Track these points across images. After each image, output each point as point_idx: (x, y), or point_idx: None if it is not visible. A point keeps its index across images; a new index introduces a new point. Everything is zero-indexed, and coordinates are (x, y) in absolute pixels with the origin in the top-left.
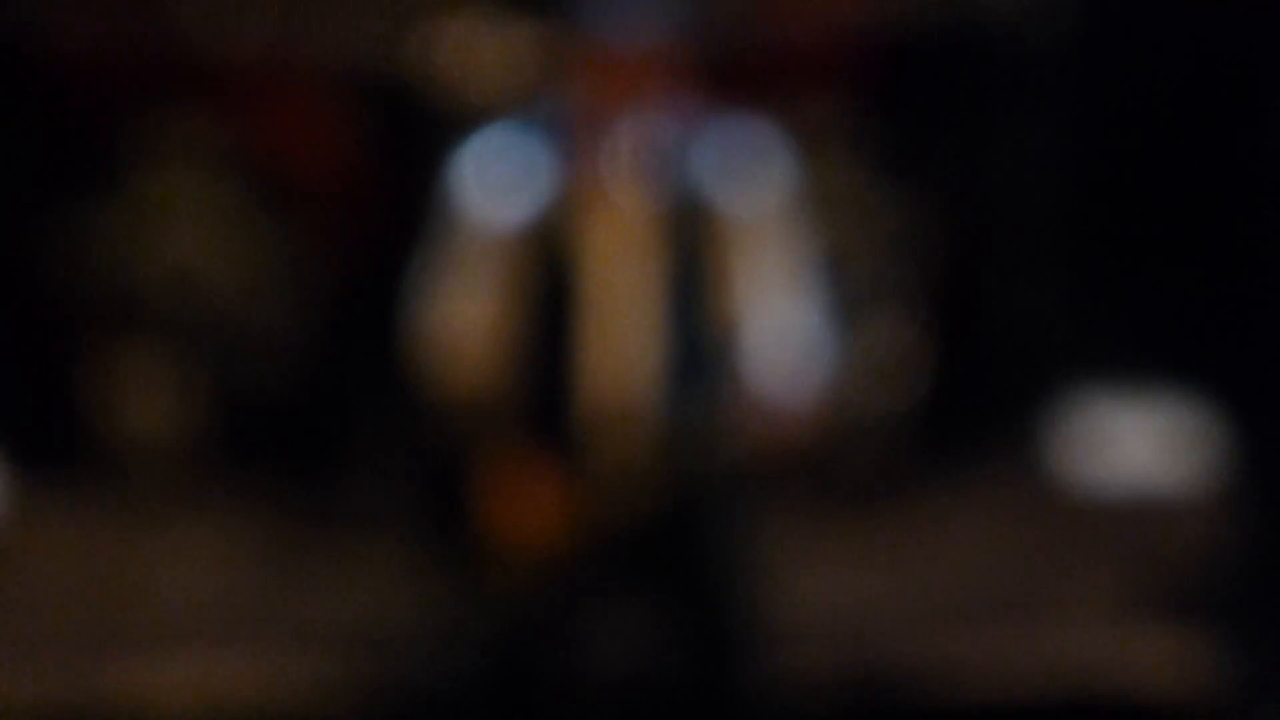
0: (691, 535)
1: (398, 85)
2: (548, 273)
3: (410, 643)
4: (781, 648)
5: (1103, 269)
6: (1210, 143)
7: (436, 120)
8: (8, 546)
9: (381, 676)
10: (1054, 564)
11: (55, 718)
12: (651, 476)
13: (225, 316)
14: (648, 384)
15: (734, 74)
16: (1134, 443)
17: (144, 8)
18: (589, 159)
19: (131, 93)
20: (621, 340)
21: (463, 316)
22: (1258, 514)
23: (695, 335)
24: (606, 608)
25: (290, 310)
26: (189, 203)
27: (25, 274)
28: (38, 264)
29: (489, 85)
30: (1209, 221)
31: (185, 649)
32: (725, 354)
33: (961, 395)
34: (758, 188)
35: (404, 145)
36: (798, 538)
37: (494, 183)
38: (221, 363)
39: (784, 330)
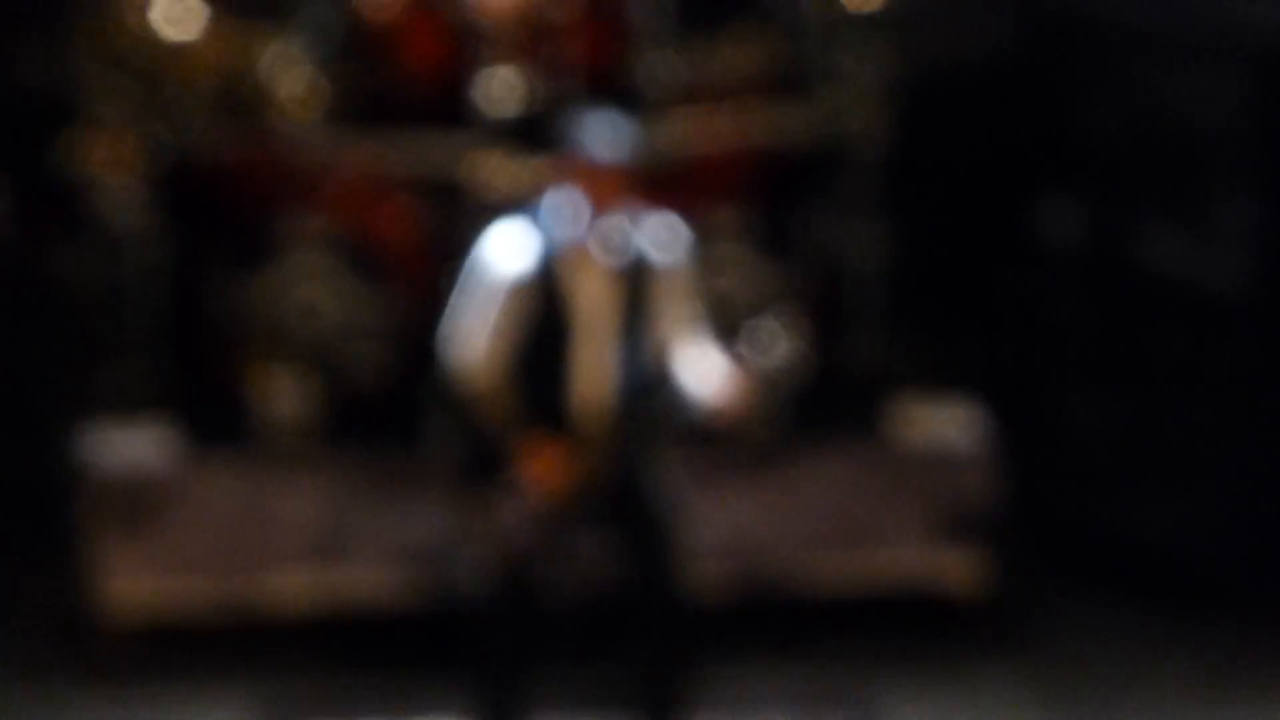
0: (637, 484)
1: (453, 187)
2: (547, 308)
3: (460, 558)
4: (695, 559)
5: (915, 312)
6: (993, 231)
7: (478, 209)
8: (189, 491)
9: (437, 581)
10: (884, 501)
11: (215, 612)
12: (611, 446)
13: (336, 341)
14: (610, 384)
15: (666, 183)
16: (939, 421)
17: (286, 143)
18: (576, 234)
19: (279, 198)
20: (594, 353)
21: (487, 338)
22: (1012, 468)
23: (639, 349)
24: (585, 530)
25: (378, 336)
26: (314, 269)
27: (213, 314)
28: (222, 307)
29: (514, 187)
30: (988, 287)
31: (305, 561)
32: (659, 362)
33: (825, 390)
34: (677, 255)
35: (456, 226)
36: (710, 484)
37: (512, 247)
38: (333, 369)
39: (691, 346)
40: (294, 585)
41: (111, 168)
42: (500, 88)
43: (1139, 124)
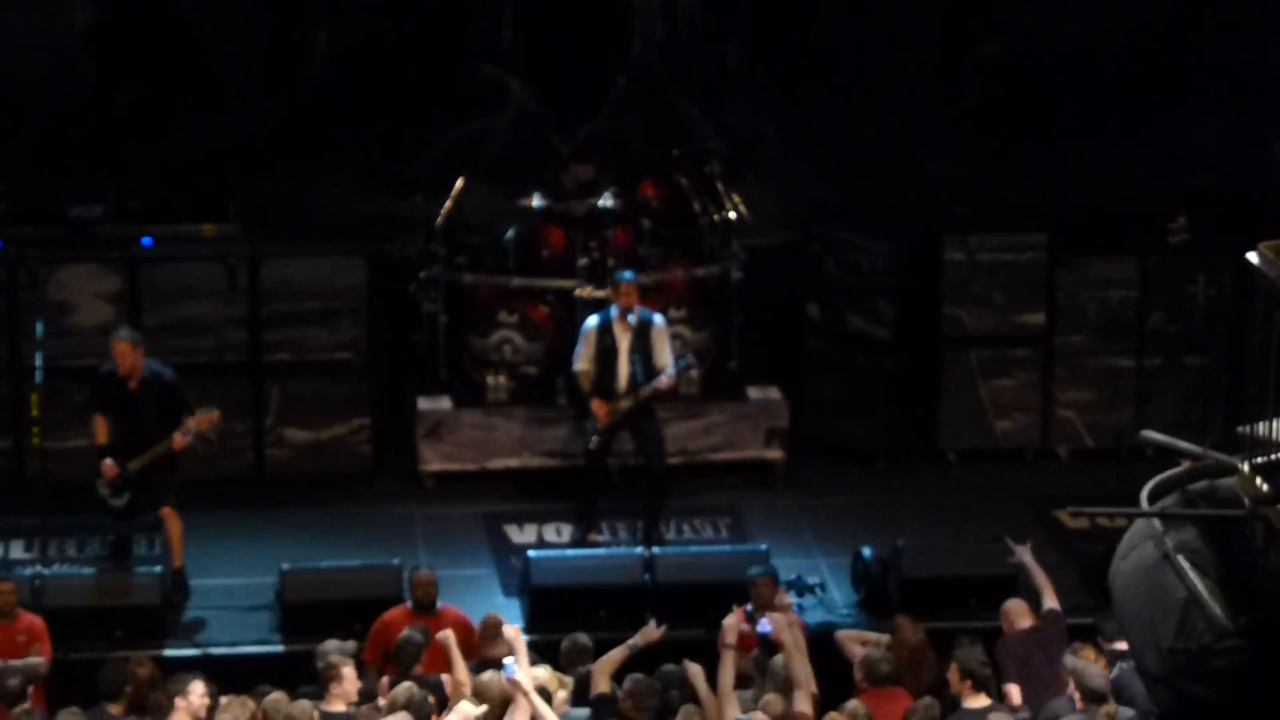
0: (645, 417)
1: (566, 294)
2: (605, 340)
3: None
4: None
5: None
6: None
7: (584, 304)
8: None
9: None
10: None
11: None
12: (629, 403)
13: (531, 375)
14: (630, 377)
15: (654, 293)
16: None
17: (493, 284)
18: (620, 316)
19: (498, 302)
20: (625, 364)
21: (582, 356)
22: None
23: (639, 363)
24: (622, 436)
25: (537, 359)
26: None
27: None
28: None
29: (594, 298)
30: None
31: None
32: (652, 365)
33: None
34: (660, 322)
35: (571, 317)
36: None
37: (599, 319)
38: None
39: (668, 362)
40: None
41: None
42: (584, 259)
43: None
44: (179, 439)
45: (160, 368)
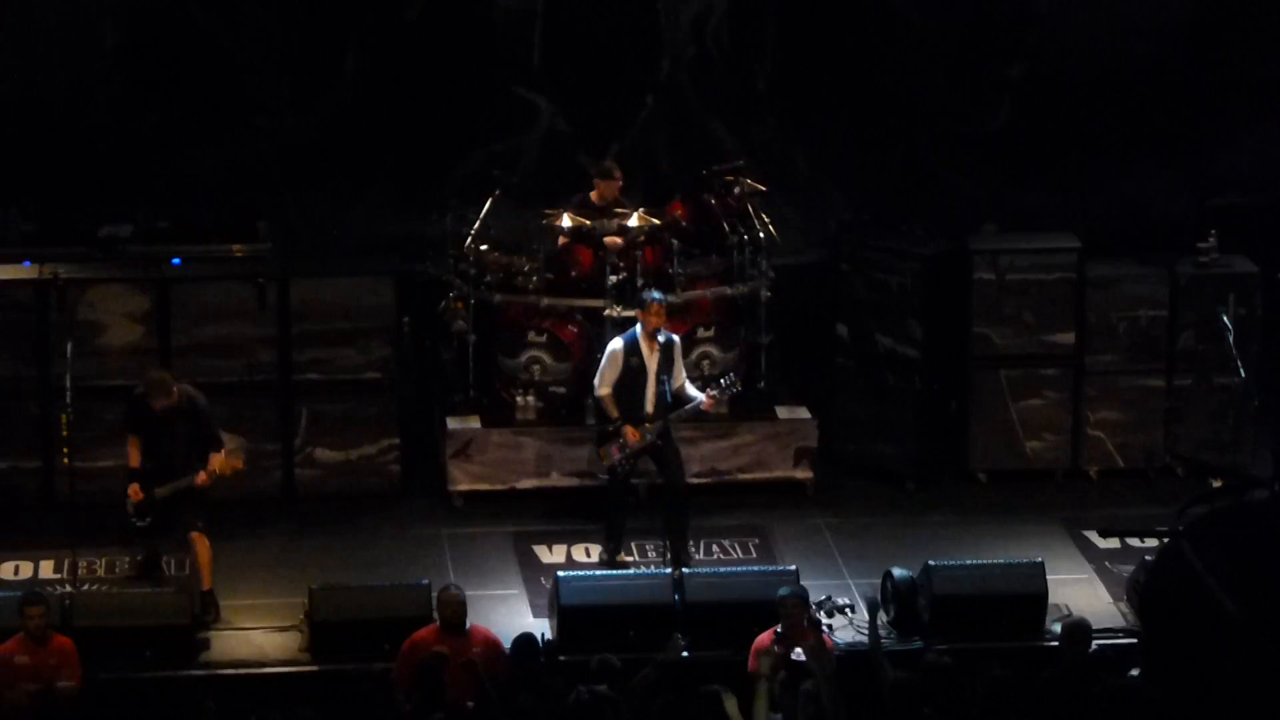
0: (666, 437)
1: (595, 314)
2: (633, 361)
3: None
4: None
5: None
6: None
7: (611, 324)
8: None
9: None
10: None
11: None
12: (656, 422)
13: (560, 394)
14: (659, 397)
15: (682, 313)
16: None
17: (528, 301)
18: (646, 334)
19: (530, 316)
20: (650, 386)
21: (608, 381)
22: None
23: (668, 382)
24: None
25: (566, 378)
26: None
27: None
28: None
29: (623, 316)
30: None
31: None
32: (675, 387)
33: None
34: (677, 341)
35: (598, 334)
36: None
37: (625, 340)
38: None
39: (684, 381)
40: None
41: None
42: (614, 278)
43: None
44: (202, 478)
45: (194, 394)
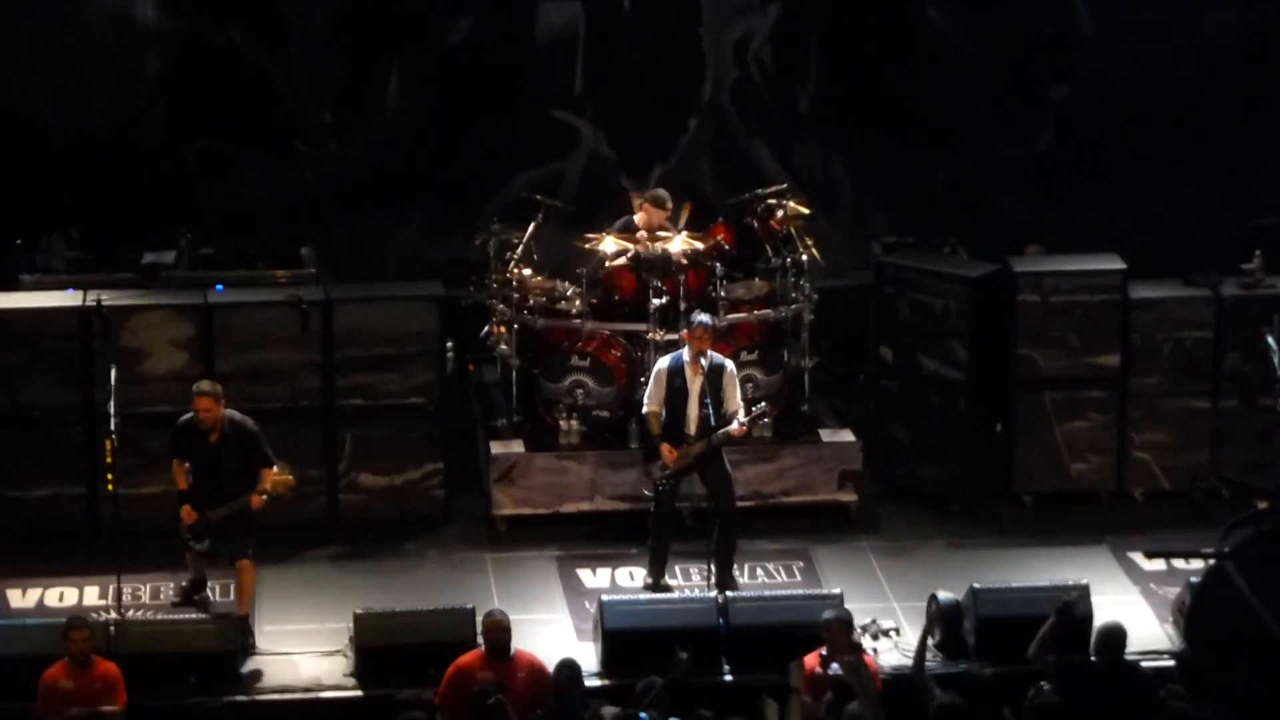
0: (717, 461)
1: (638, 337)
2: (676, 382)
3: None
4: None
5: None
6: None
7: (658, 347)
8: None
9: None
10: None
11: None
12: (701, 447)
13: (604, 418)
14: (701, 420)
15: (726, 336)
16: None
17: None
18: (691, 356)
19: (571, 340)
20: (694, 407)
21: (652, 398)
22: None
23: (711, 405)
24: (692, 480)
25: (609, 401)
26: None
27: None
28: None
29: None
30: None
31: None
32: (723, 411)
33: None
34: (730, 368)
35: (641, 358)
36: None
37: (671, 361)
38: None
39: (738, 408)
40: None
41: None
42: (657, 302)
43: None
44: (256, 500)
45: (242, 419)
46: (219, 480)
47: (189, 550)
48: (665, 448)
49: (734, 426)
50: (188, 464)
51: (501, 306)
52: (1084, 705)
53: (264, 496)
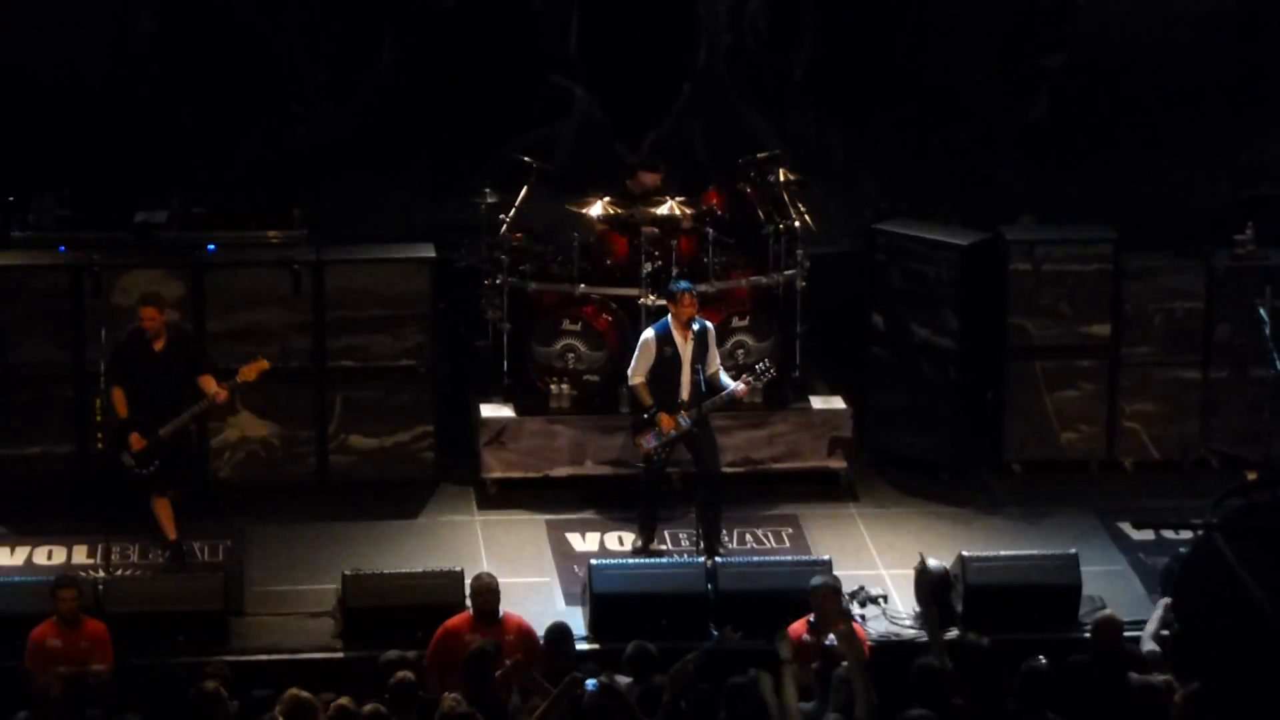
0: (703, 426)
1: (630, 302)
2: (666, 350)
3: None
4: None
5: None
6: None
7: (647, 312)
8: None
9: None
10: None
11: None
12: (691, 410)
13: (594, 382)
14: (690, 387)
15: (717, 302)
16: None
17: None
18: (679, 323)
19: (568, 305)
20: (685, 373)
21: (641, 370)
22: None
23: (702, 370)
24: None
25: (599, 366)
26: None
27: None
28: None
29: (654, 305)
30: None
31: None
32: (709, 375)
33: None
34: (709, 329)
35: (633, 322)
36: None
37: (657, 330)
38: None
39: (718, 368)
40: None
41: None
42: (649, 267)
43: None
44: (222, 394)
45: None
46: (170, 393)
47: (133, 475)
48: (664, 417)
49: (739, 386)
50: (126, 389)
51: (493, 269)
52: (1080, 698)
53: (226, 390)
